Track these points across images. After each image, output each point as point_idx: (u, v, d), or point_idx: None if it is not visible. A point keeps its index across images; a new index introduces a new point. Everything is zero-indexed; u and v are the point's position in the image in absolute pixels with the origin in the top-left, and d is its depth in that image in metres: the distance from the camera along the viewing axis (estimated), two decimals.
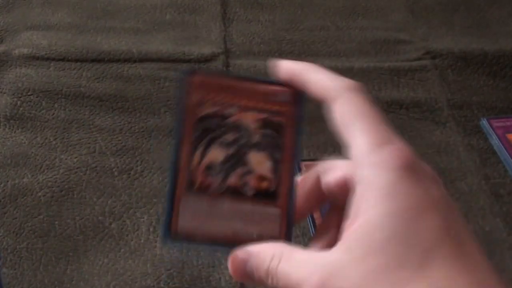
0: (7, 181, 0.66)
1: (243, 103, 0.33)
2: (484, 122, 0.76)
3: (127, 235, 0.62)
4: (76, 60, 0.81)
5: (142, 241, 0.61)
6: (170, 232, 0.30)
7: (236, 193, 0.31)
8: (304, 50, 0.86)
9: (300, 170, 0.33)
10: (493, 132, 0.74)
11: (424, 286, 0.26)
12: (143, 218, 0.63)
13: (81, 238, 0.61)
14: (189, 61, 0.82)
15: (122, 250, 0.61)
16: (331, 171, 0.34)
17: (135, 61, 0.81)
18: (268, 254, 0.30)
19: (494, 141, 0.73)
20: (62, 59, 0.81)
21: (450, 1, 0.96)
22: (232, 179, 0.31)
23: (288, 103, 0.34)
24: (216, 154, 0.32)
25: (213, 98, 0.33)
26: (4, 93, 0.76)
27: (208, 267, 0.59)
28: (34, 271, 0.58)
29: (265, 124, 0.33)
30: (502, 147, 0.72)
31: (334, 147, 0.72)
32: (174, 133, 0.32)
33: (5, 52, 0.82)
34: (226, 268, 0.59)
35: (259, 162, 0.32)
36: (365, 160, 0.29)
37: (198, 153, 0.32)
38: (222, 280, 0.58)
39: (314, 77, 0.32)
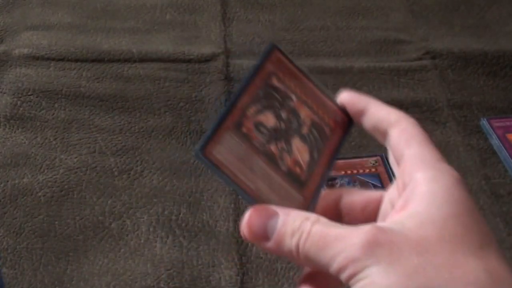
0: (7, 181, 0.66)
1: (303, 97, 0.35)
2: (484, 122, 0.76)
3: (127, 235, 0.62)
4: (76, 60, 0.81)
5: (142, 241, 0.61)
6: (205, 150, 0.30)
7: (272, 160, 0.32)
8: (304, 50, 0.86)
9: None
10: (493, 132, 0.74)
11: (482, 266, 0.26)
12: (143, 218, 0.63)
13: (81, 238, 0.61)
14: (189, 61, 0.82)
15: (122, 250, 0.61)
16: (357, 193, 0.35)
17: (135, 61, 0.81)
18: (300, 215, 0.29)
19: (494, 141, 0.73)
20: (62, 59, 0.81)
21: (450, 1, 0.96)
22: (273, 147, 0.32)
23: (338, 124, 0.36)
24: (269, 118, 0.33)
25: (282, 77, 0.35)
26: (4, 93, 0.76)
27: (208, 267, 0.59)
28: (34, 271, 0.58)
29: (315, 125, 0.35)
30: (502, 147, 0.72)
31: None
32: (245, 77, 0.33)
33: (5, 52, 0.82)
34: (226, 268, 0.59)
35: (300, 150, 0.33)
36: (424, 165, 0.30)
37: (254, 107, 0.32)
38: (222, 280, 0.58)
39: (374, 105, 0.34)
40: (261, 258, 0.61)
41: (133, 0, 0.92)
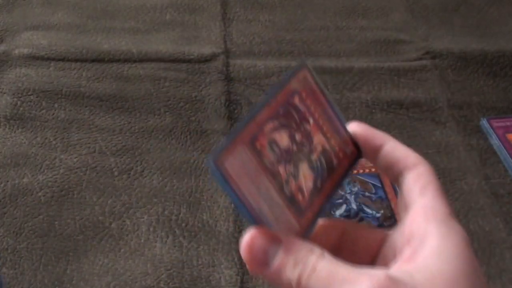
0: (7, 181, 0.66)
1: (320, 122, 0.34)
2: (484, 122, 0.76)
3: (127, 235, 0.62)
4: (76, 60, 0.81)
5: (142, 241, 0.61)
6: (218, 160, 0.29)
7: (278, 182, 0.31)
8: (304, 50, 0.86)
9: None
10: (493, 132, 0.74)
11: None
12: (143, 218, 0.63)
13: (81, 238, 0.61)
14: (189, 61, 0.82)
15: (122, 250, 0.61)
16: (361, 231, 0.34)
17: (135, 61, 0.81)
18: (304, 246, 0.28)
19: (494, 141, 0.73)
20: (62, 59, 0.81)
21: (450, 1, 0.96)
22: (281, 169, 0.31)
23: (346, 156, 0.35)
24: (283, 138, 0.32)
25: (304, 98, 0.34)
26: (4, 93, 0.76)
27: (208, 267, 0.59)
28: (34, 271, 0.58)
29: (324, 153, 0.34)
30: (502, 147, 0.72)
31: None
32: (267, 93, 0.32)
33: (5, 52, 0.82)
34: (226, 268, 0.59)
35: (306, 177, 0.33)
36: (435, 220, 0.30)
37: (272, 124, 0.32)
38: (222, 280, 0.58)
39: (391, 144, 0.34)
40: None
41: (133, 0, 0.92)
